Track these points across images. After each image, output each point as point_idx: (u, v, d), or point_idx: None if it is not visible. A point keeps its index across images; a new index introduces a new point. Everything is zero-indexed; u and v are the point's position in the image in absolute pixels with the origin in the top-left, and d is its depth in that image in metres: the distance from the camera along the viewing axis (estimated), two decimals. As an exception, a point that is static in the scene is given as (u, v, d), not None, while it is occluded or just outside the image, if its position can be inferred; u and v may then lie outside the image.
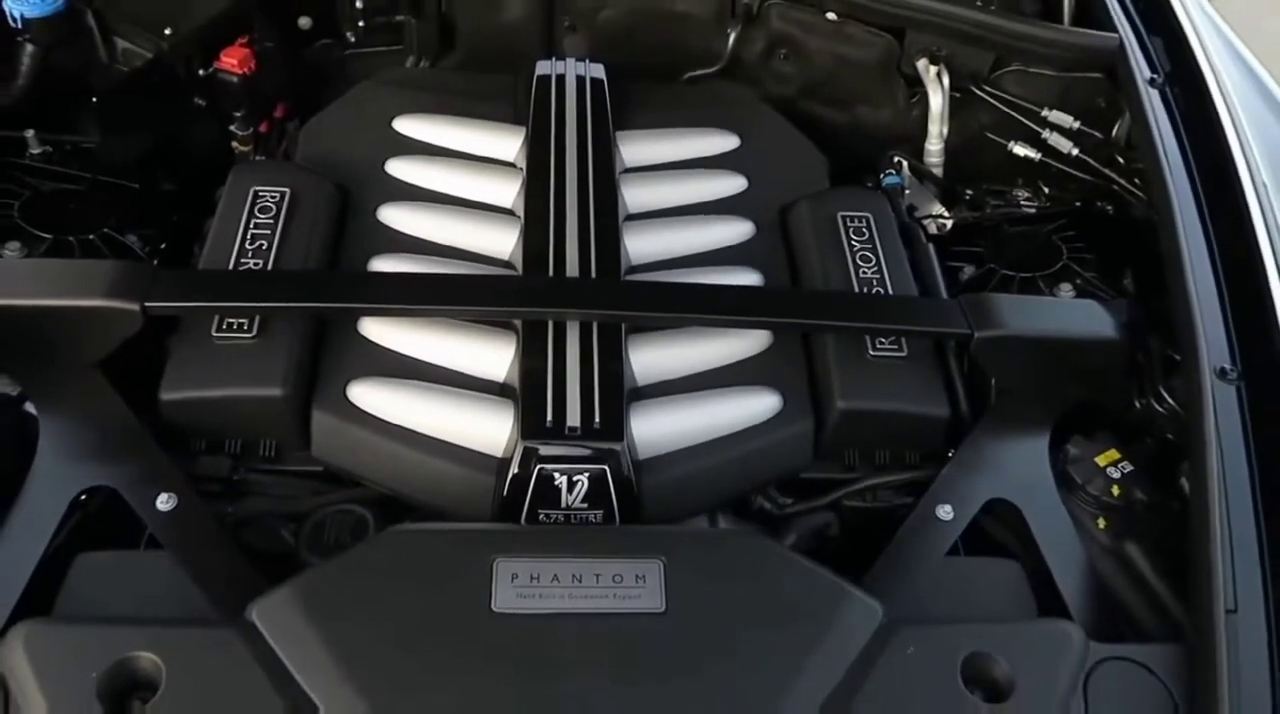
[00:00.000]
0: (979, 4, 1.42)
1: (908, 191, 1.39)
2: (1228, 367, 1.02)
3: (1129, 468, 1.04)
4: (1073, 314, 1.13)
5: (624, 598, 0.81)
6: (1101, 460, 1.06)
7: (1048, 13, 1.45)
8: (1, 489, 0.90)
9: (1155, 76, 1.32)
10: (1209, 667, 0.81)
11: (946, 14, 1.39)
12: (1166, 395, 1.06)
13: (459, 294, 1.05)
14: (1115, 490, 1.03)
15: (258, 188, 1.14)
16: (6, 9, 1.19)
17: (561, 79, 1.31)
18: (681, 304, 1.07)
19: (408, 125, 1.29)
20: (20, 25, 1.20)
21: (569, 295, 1.06)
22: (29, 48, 1.22)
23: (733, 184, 1.29)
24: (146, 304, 0.97)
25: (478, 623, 0.78)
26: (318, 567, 0.85)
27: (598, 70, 1.35)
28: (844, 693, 0.78)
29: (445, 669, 0.77)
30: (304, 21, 1.44)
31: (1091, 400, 1.10)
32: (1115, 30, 1.37)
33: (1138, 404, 1.09)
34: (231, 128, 1.35)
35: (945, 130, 1.44)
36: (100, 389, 0.98)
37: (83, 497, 0.92)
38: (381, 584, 0.82)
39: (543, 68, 1.34)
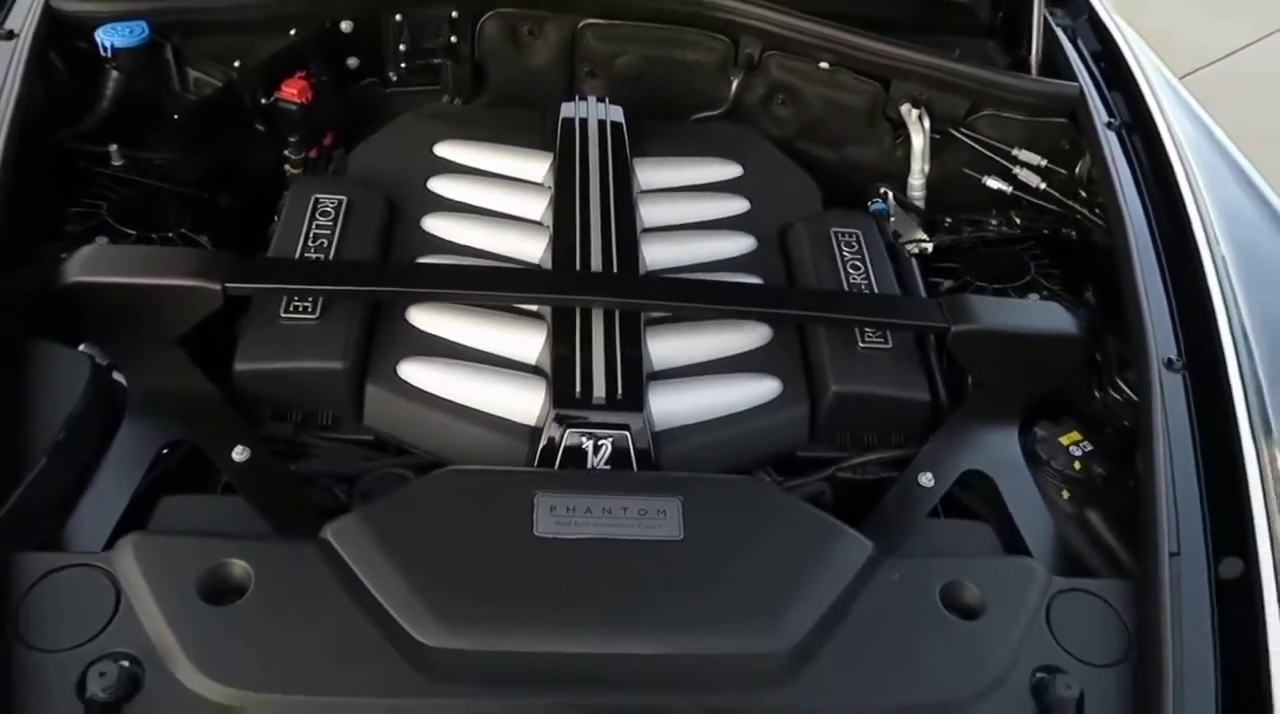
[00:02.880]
0: (956, 56, 1.60)
1: (893, 219, 1.54)
2: (1174, 358, 1.16)
3: (1089, 447, 1.18)
4: (1038, 313, 1.28)
5: (647, 528, 0.93)
6: (1065, 440, 1.19)
7: (1018, 64, 1.63)
8: (94, 443, 1.02)
9: (1112, 120, 1.50)
10: (1155, 597, 0.93)
11: (927, 64, 1.57)
12: (1123, 385, 1.20)
13: (498, 283, 1.20)
14: (1077, 465, 1.16)
15: (318, 196, 1.29)
16: (99, 39, 1.35)
17: (584, 118, 1.47)
18: (693, 296, 1.21)
19: (447, 149, 1.44)
20: (110, 54, 1.35)
21: (594, 287, 1.20)
22: (114, 74, 1.37)
23: (737, 206, 1.44)
24: (227, 285, 1.11)
25: (522, 545, 0.90)
26: (383, 498, 0.97)
27: (616, 112, 1.51)
28: (838, 609, 0.90)
29: (495, 582, 0.88)
30: (352, 61, 1.60)
31: (1057, 393, 1.24)
32: (1076, 80, 1.55)
33: (1097, 394, 1.23)
34: (285, 152, 1.50)
35: (927, 168, 1.60)
36: (181, 361, 1.11)
37: (165, 451, 1.04)
38: (439, 512, 0.94)
39: (567, 109, 1.49)
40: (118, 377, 1.09)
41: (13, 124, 1.17)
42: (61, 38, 1.36)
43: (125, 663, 0.80)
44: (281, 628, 0.84)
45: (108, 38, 1.35)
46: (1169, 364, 1.16)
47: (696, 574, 0.91)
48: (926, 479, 1.12)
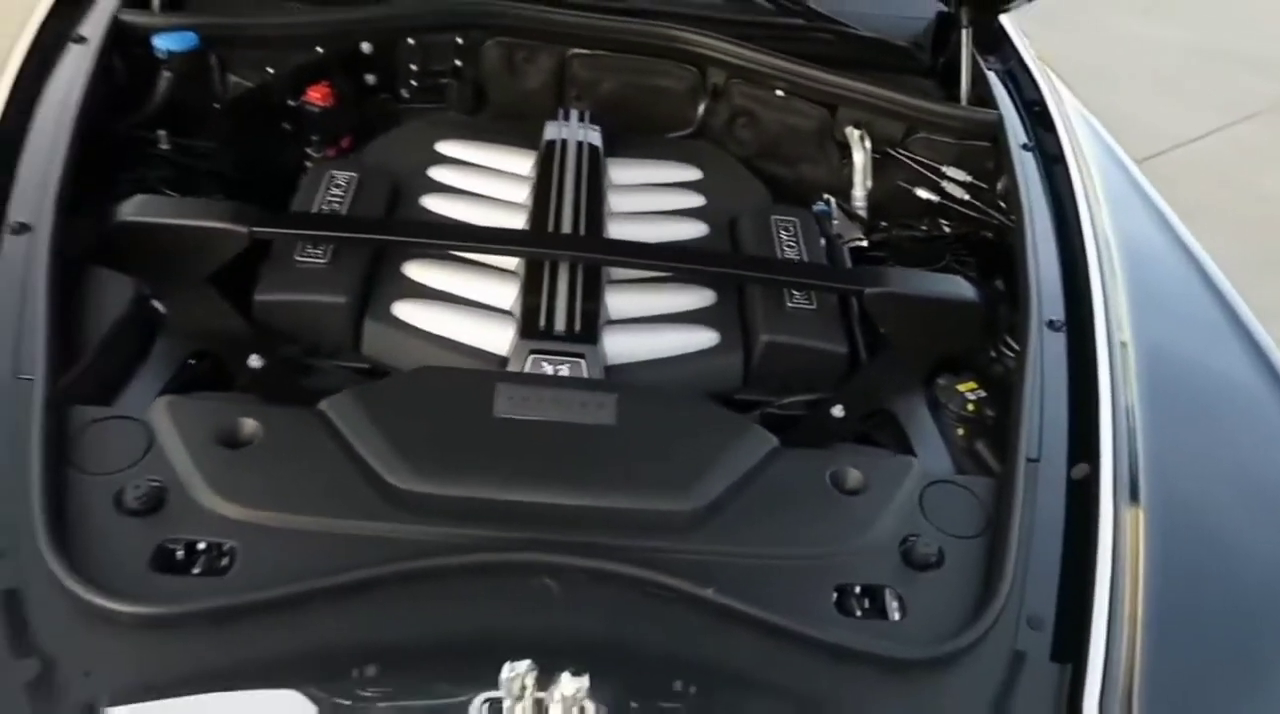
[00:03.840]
0: (893, 87, 1.84)
1: (836, 222, 1.76)
2: (1055, 319, 1.36)
3: (983, 394, 1.37)
4: (942, 282, 1.49)
5: (588, 415, 1.13)
6: (962, 387, 1.38)
7: (949, 95, 1.87)
8: (134, 350, 1.23)
9: (1028, 143, 1.72)
10: (1009, 484, 1.11)
11: (867, 92, 1.80)
12: (1010, 341, 1.39)
13: (479, 237, 1.41)
14: (970, 407, 1.35)
15: (333, 172, 1.52)
16: (155, 44, 1.60)
17: (565, 137, 1.69)
18: (643, 255, 1.43)
19: (447, 147, 1.67)
20: (164, 57, 1.60)
21: (562, 245, 1.41)
22: (166, 74, 1.62)
23: (693, 200, 1.66)
24: (253, 228, 1.33)
25: (482, 420, 1.10)
26: (369, 383, 1.17)
27: (595, 131, 1.74)
28: (741, 483, 1.08)
29: (456, 444, 1.08)
30: (370, 78, 1.84)
31: (959, 354, 1.44)
32: (998, 110, 1.78)
33: (993, 354, 1.43)
34: (308, 149, 1.74)
35: (869, 182, 1.82)
36: (209, 293, 1.32)
37: (191, 361, 1.25)
38: (415, 394, 1.14)
39: (551, 128, 1.72)
40: (155, 304, 1.30)
41: (81, 111, 1.41)
42: (124, 44, 1.61)
43: (155, 484, 0.99)
44: (281, 468, 1.03)
45: (163, 43, 1.60)
46: (1050, 324, 1.36)
47: (625, 450, 1.10)
48: (838, 410, 1.31)
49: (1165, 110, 4.62)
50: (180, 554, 0.97)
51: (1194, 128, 4.60)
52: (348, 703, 0.88)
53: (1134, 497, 1.13)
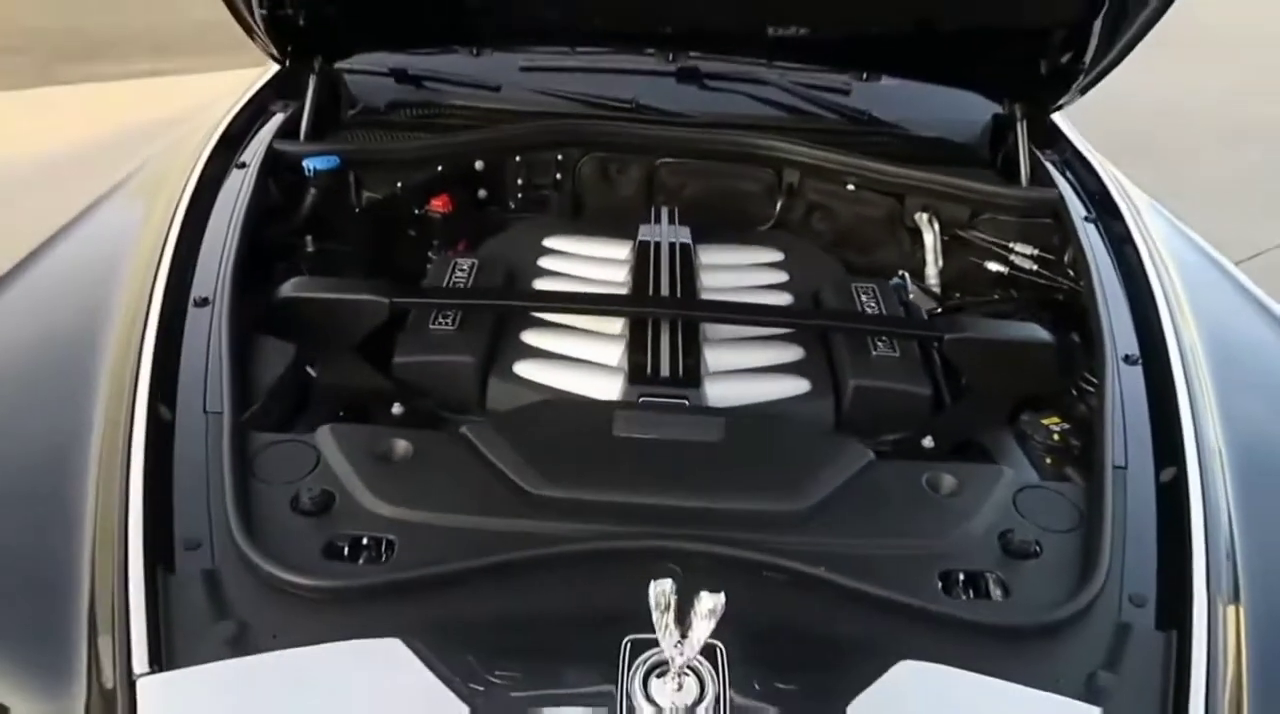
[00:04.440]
0: (956, 175, 2.00)
1: (911, 294, 1.89)
2: (1131, 353, 1.45)
3: (1067, 426, 1.45)
4: (1017, 327, 1.59)
5: (697, 433, 1.25)
6: (1046, 421, 1.46)
7: (1010, 177, 2.02)
8: (294, 406, 1.40)
9: (1089, 215, 1.85)
10: (1099, 483, 1.18)
11: (932, 180, 1.96)
12: (1089, 375, 1.48)
13: (590, 300, 1.58)
14: (1056, 437, 1.43)
15: (456, 259, 1.72)
16: (305, 164, 1.85)
17: (659, 240, 1.87)
18: (736, 311, 1.57)
19: (553, 241, 1.87)
20: (312, 175, 1.85)
21: (663, 304, 1.57)
22: (312, 189, 1.86)
23: (778, 277, 1.81)
24: (393, 299, 1.51)
25: (603, 438, 1.23)
26: (504, 412, 1.31)
27: (684, 231, 1.92)
28: (845, 487, 1.18)
29: (581, 456, 1.20)
30: (482, 193, 2.08)
31: (1039, 396, 1.52)
32: (1055, 187, 1.92)
33: (1074, 392, 1.51)
34: (430, 253, 1.96)
35: (940, 262, 1.96)
36: (356, 358, 1.50)
37: (341, 413, 1.41)
38: (544, 421, 1.27)
39: (644, 231, 1.91)
40: (309, 370, 1.48)
41: (246, 216, 1.64)
42: (277, 167, 1.87)
43: (324, 490, 1.13)
44: (431, 477, 1.17)
45: (311, 163, 1.86)
46: (1126, 358, 1.44)
47: (734, 460, 1.21)
48: (928, 442, 1.40)
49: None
50: (346, 549, 1.09)
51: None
52: (496, 671, 0.98)
53: (1219, 495, 1.19)
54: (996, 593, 1.09)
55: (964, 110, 2.23)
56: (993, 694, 0.96)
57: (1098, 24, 1.72)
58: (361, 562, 1.08)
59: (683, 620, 0.83)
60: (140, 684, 0.94)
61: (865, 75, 2.21)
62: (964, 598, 1.09)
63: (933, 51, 2.00)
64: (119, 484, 1.10)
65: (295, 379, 1.41)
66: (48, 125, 4.93)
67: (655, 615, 0.82)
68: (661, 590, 0.82)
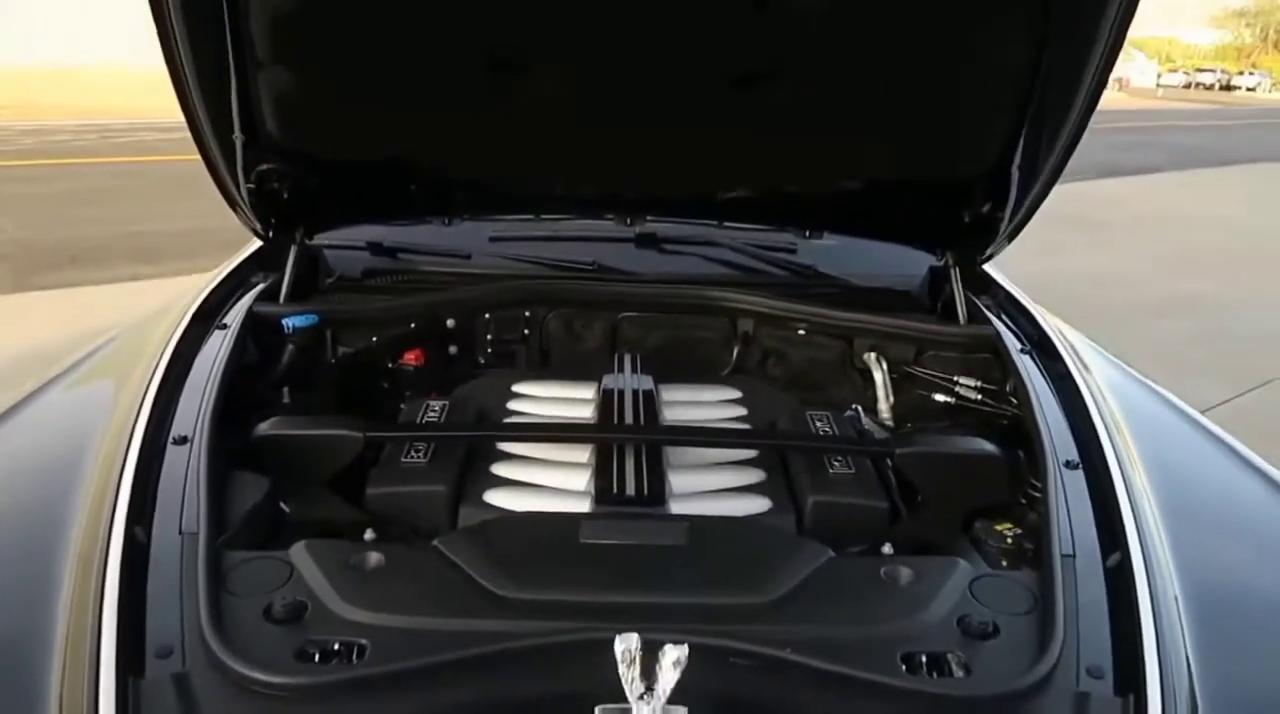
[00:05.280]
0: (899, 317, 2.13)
1: (865, 426, 1.97)
2: (1072, 459, 1.53)
3: (1019, 531, 1.51)
4: (965, 441, 1.67)
5: (662, 538, 1.29)
6: (999, 527, 1.52)
7: (947, 318, 2.16)
8: (263, 540, 1.43)
9: (1024, 347, 1.98)
10: (1050, 578, 1.23)
11: (877, 322, 2.10)
12: (1034, 480, 1.55)
13: (557, 430, 1.64)
14: (1009, 541, 1.49)
15: (428, 401, 1.79)
16: (284, 322, 1.95)
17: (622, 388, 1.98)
18: (701, 434, 1.63)
19: (522, 387, 1.95)
20: (290, 332, 1.95)
21: (627, 431, 1.64)
22: (290, 346, 1.95)
23: (736, 411, 1.90)
24: (367, 433, 1.57)
25: (571, 546, 1.26)
26: (475, 524, 1.34)
27: (647, 379, 2.03)
28: (807, 581, 1.22)
29: (558, 565, 1.23)
30: (453, 348, 2.18)
31: (990, 504, 1.58)
32: (992, 325, 2.06)
33: (1023, 500, 1.58)
34: (402, 405, 2.02)
35: (890, 397, 2.06)
36: (327, 492, 1.54)
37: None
38: (517, 530, 1.31)
39: (608, 380, 2.01)
40: (282, 505, 1.52)
41: (224, 372, 1.72)
42: (257, 328, 1.96)
43: (296, 600, 1.15)
44: (402, 585, 1.19)
45: (290, 321, 1.95)
46: (1068, 464, 1.52)
47: (698, 560, 1.25)
48: (887, 548, 1.45)
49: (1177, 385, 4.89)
50: (318, 654, 1.10)
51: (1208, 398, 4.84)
52: None
53: (1162, 573, 1.24)
54: (959, 672, 1.11)
55: (901, 265, 2.41)
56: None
57: (1015, 170, 1.91)
58: (335, 664, 1.09)
59: (649, 675, 0.85)
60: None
61: (808, 233, 2.39)
62: (930, 677, 1.11)
63: (868, 208, 2.19)
64: (93, 596, 1.12)
65: (269, 511, 1.45)
66: (19, 329, 5.04)
67: (621, 670, 0.85)
68: (627, 647, 0.85)
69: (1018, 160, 1.91)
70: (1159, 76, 50.13)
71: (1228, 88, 46.98)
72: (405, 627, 1.12)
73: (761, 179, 2.17)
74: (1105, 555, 1.29)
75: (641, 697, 0.85)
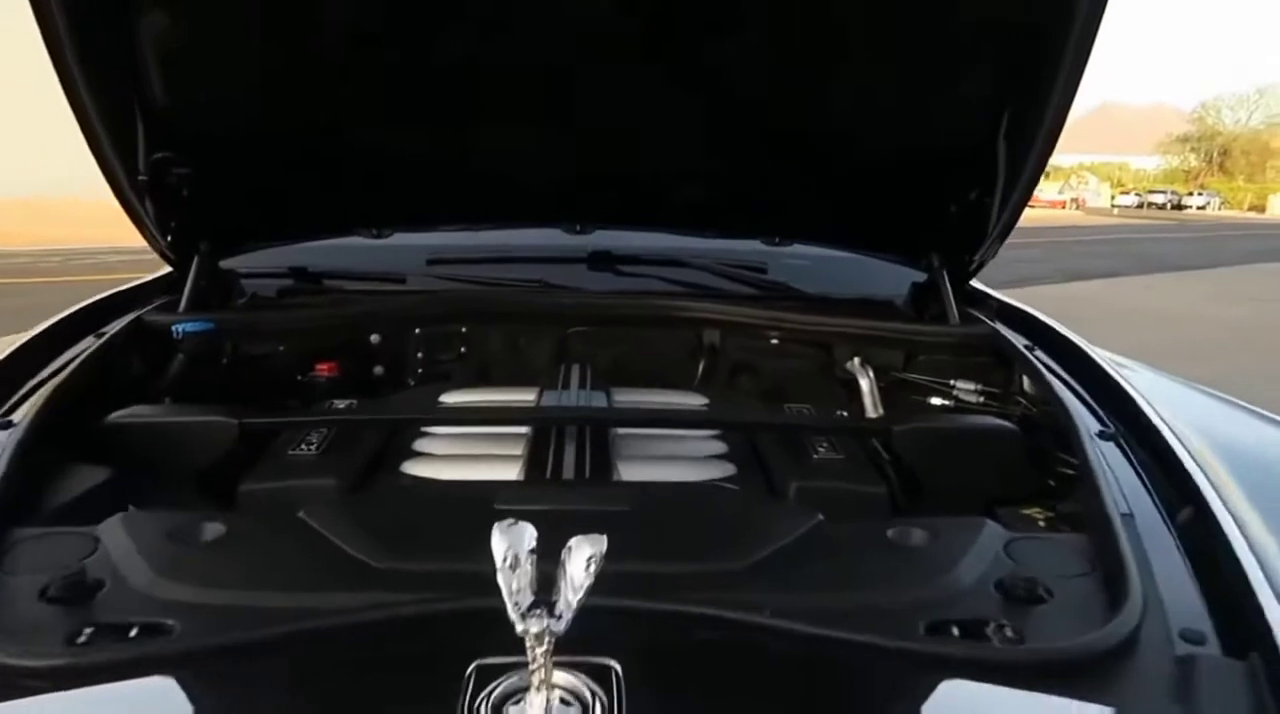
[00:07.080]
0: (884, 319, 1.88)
1: (853, 434, 1.69)
2: (1105, 429, 1.26)
3: (1051, 514, 1.22)
4: (977, 419, 1.38)
5: (600, 504, 0.99)
6: (1027, 511, 1.24)
7: (940, 319, 1.91)
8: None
9: (1029, 344, 1.73)
10: (1110, 536, 0.94)
11: (858, 325, 1.84)
12: (1065, 456, 1.27)
13: (484, 413, 1.35)
14: (1041, 525, 1.20)
15: (334, 401, 1.49)
16: (174, 329, 1.67)
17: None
18: (651, 417, 1.35)
19: (450, 397, 1.66)
20: (180, 337, 1.67)
21: (569, 414, 1.35)
22: (180, 355, 1.66)
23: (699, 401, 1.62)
24: (243, 421, 1.28)
25: (480, 514, 0.95)
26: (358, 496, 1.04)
27: (599, 395, 1.75)
28: (793, 545, 0.92)
29: (460, 534, 0.92)
30: (378, 369, 1.90)
31: (1011, 496, 1.30)
32: (986, 324, 1.81)
33: (1050, 482, 1.29)
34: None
35: (879, 409, 1.79)
36: (190, 490, 1.23)
37: None
38: (414, 499, 1.01)
39: (550, 396, 1.73)
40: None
41: (83, 364, 1.41)
42: (142, 338, 1.68)
43: (85, 576, 0.84)
44: (241, 558, 0.89)
45: (181, 327, 1.67)
46: (1100, 434, 1.25)
47: (651, 528, 0.95)
48: (892, 533, 1.15)
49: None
50: (96, 636, 0.80)
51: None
52: None
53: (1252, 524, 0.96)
54: (1005, 637, 0.81)
55: (881, 284, 2.17)
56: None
57: (1001, 141, 1.69)
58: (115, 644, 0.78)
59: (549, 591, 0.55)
60: None
61: (777, 240, 2.15)
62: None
63: (844, 203, 1.95)
64: None
65: (108, 503, 1.14)
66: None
67: (502, 579, 0.55)
68: (510, 544, 0.55)
69: (1004, 129, 1.69)
70: (1113, 198, 51.77)
71: (1179, 207, 48.57)
72: (233, 604, 0.82)
73: (722, 161, 1.91)
74: (1173, 513, 1.01)
75: (532, 612, 0.54)
